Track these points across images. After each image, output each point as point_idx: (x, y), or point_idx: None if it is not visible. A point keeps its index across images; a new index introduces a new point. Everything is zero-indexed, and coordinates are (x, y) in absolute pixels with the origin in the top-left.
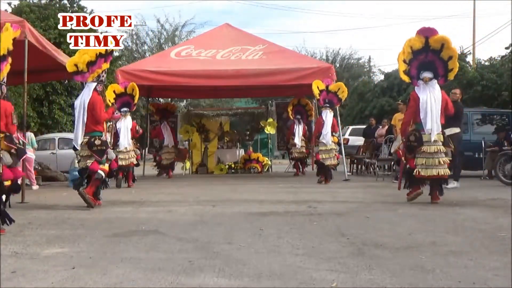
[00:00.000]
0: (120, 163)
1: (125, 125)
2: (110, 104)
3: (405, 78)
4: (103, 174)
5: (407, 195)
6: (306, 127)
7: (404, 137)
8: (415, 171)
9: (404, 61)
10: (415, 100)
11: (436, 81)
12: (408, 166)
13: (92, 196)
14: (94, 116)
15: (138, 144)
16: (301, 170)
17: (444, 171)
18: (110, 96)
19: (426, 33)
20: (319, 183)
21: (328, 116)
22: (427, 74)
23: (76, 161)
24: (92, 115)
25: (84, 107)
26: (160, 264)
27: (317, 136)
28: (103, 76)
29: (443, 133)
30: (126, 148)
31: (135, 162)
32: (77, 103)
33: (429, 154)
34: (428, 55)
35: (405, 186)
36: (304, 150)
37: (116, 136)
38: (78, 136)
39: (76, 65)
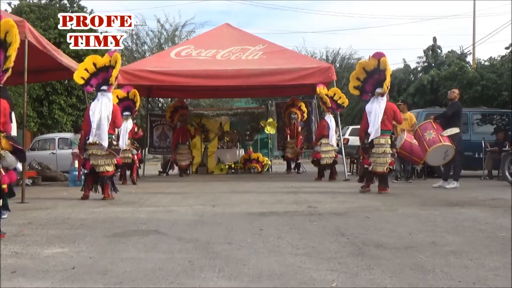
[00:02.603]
0: None
1: (125, 127)
2: None
3: (355, 92)
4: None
5: (361, 188)
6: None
7: (360, 141)
8: (370, 168)
9: (358, 79)
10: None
11: (385, 95)
12: (364, 164)
13: (107, 192)
14: (116, 122)
15: (136, 144)
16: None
17: (387, 168)
18: (113, 101)
19: (378, 56)
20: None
21: (332, 120)
22: (378, 90)
23: (76, 160)
24: (113, 122)
25: (109, 114)
26: (160, 264)
27: (319, 137)
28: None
29: (390, 137)
30: (123, 148)
31: (129, 161)
32: (97, 108)
33: (378, 154)
34: (381, 74)
35: (360, 180)
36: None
37: (118, 137)
38: (106, 137)
39: (83, 78)
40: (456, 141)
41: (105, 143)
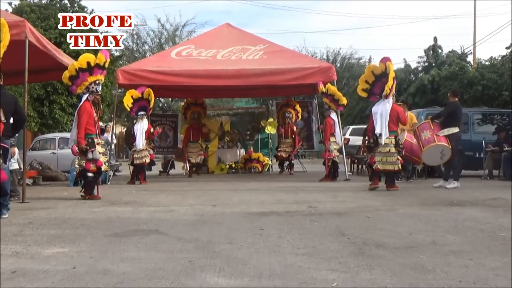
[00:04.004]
0: (135, 162)
1: (141, 127)
2: (128, 109)
3: (363, 94)
4: (91, 174)
5: (369, 186)
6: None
7: (367, 139)
8: (374, 166)
9: (366, 82)
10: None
11: (391, 97)
12: (369, 162)
13: (87, 193)
14: (78, 122)
15: (152, 144)
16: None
17: (397, 166)
18: (128, 101)
19: (385, 60)
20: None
21: (336, 117)
22: (383, 93)
23: (76, 160)
24: (77, 121)
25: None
26: (161, 263)
27: (330, 135)
28: (92, 87)
29: (395, 137)
30: (140, 148)
31: (148, 161)
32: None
33: (384, 153)
34: (387, 77)
35: (371, 179)
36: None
37: (133, 137)
38: (72, 137)
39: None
40: (455, 141)
41: (71, 144)
